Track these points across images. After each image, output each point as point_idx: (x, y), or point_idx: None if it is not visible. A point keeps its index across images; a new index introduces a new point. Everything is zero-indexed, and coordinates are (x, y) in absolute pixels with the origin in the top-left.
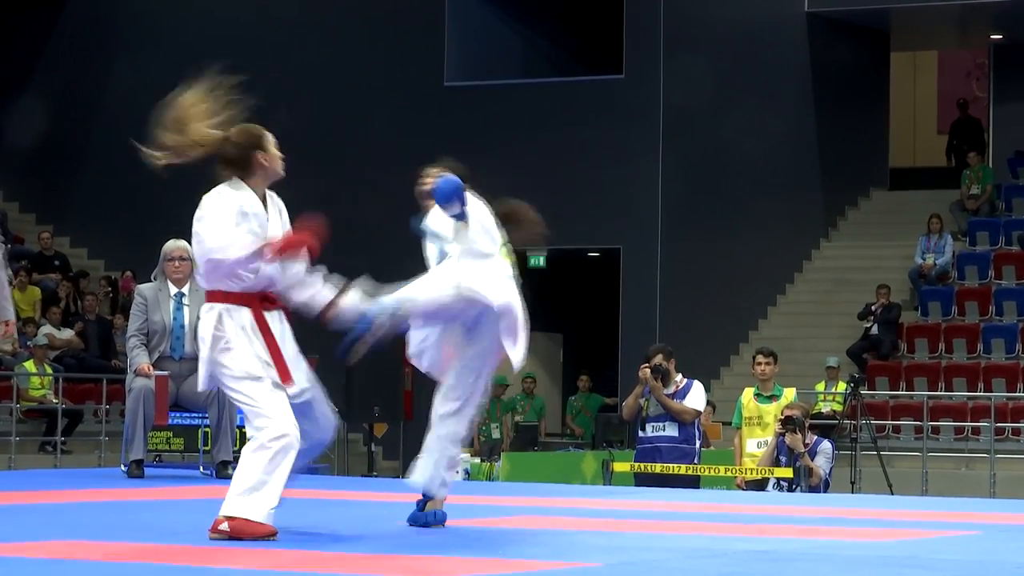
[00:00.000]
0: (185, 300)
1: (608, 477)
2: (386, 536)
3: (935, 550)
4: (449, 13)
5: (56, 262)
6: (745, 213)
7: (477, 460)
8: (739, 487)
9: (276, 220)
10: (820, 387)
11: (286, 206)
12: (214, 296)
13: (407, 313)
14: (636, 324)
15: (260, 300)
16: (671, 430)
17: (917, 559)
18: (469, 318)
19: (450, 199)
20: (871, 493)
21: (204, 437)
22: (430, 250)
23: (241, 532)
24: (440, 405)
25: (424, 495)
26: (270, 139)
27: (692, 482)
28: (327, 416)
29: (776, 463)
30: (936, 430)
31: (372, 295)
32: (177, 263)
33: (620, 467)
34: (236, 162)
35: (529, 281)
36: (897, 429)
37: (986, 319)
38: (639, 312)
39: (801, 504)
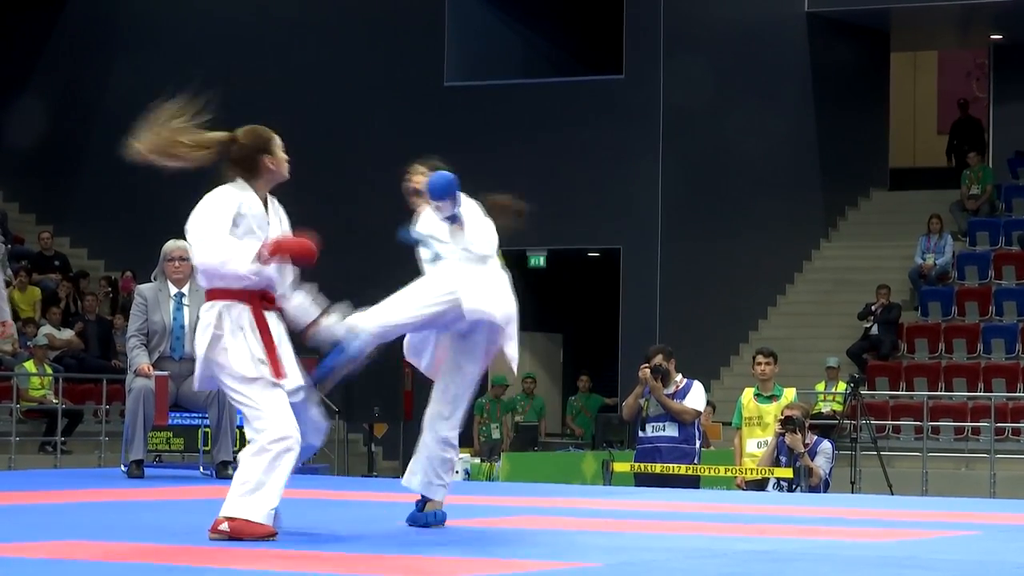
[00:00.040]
0: (185, 300)
1: (608, 477)
2: (386, 536)
3: (935, 550)
4: (449, 13)
5: (56, 262)
6: (745, 213)
7: (477, 460)
8: (739, 487)
9: (276, 224)
10: (820, 387)
11: (286, 206)
12: (214, 294)
13: (390, 334)
14: (636, 324)
15: (260, 299)
16: (671, 430)
17: (917, 559)
18: (464, 326)
19: (445, 194)
20: (871, 493)
21: (204, 437)
22: (423, 253)
23: (241, 532)
24: (431, 407)
25: (423, 496)
26: (278, 142)
27: (692, 482)
28: (318, 421)
29: (776, 463)
30: (936, 430)
31: (353, 321)
32: (177, 263)
33: (620, 467)
34: (242, 163)
35: (529, 281)
36: (897, 429)
37: (986, 319)
38: (639, 312)
39: (801, 504)
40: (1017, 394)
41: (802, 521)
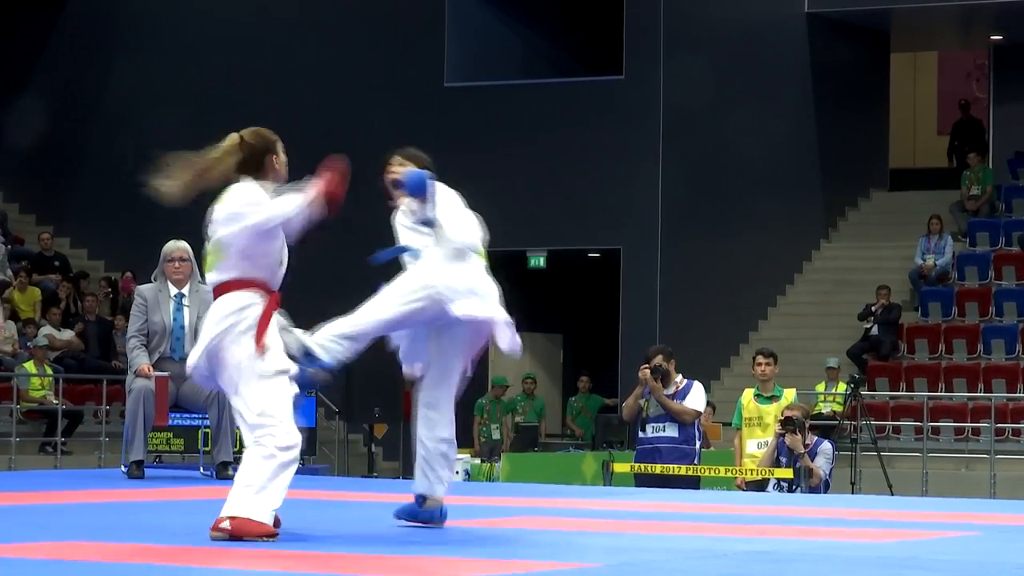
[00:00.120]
0: (185, 301)
1: (608, 478)
2: (386, 536)
3: (935, 551)
4: (449, 13)
5: (56, 263)
6: (745, 213)
7: (477, 461)
8: (739, 488)
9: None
10: (820, 388)
11: None
12: (231, 286)
13: (362, 338)
14: (636, 325)
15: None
16: (671, 431)
17: (917, 560)
18: (444, 322)
19: (417, 193)
20: (871, 494)
21: (204, 438)
22: (407, 257)
23: (242, 531)
24: (421, 409)
25: (423, 493)
26: (280, 144)
27: (692, 483)
28: None
29: (776, 464)
30: (936, 431)
31: (306, 340)
32: (177, 264)
33: (620, 468)
34: (250, 162)
35: (529, 281)
36: (897, 430)
37: (986, 320)
38: (639, 313)
39: (801, 505)
40: (1017, 395)
41: (802, 522)
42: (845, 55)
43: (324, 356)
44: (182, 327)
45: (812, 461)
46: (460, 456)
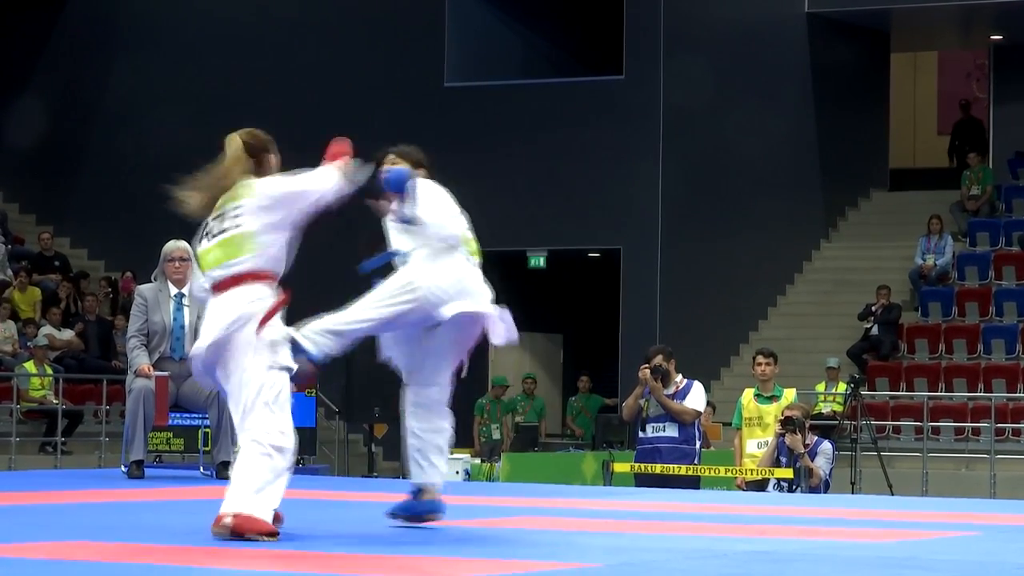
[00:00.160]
0: (185, 301)
1: (608, 478)
2: (386, 536)
3: (935, 551)
4: (449, 13)
5: (56, 263)
6: (745, 213)
7: (477, 461)
8: (739, 488)
9: None
10: (820, 388)
11: None
12: (248, 277)
13: (348, 336)
14: (636, 325)
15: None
16: (671, 431)
17: (917, 560)
18: (433, 323)
19: (395, 189)
20: (871, 494)
21: (204, 438)
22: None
23: (245, 528)
24: (409, 407)
25: (417, 486)
26: (274, 144)
27: (692, 483)
28: None
29: (776, 464)
30: (936, 431)
31: (297, 334)
32: (177, 264)
33: (620, 468)
34: (254, 163)
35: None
36: (897, 430)
37: (986, 320)
38: (639, 313)
39: (801, 505)
40: (1017, 395)
41: (802, 522)
42: (845, 55)
43: (311, 348)
44: (182, 327)
45: (812, 461)
46: (460, 456)
